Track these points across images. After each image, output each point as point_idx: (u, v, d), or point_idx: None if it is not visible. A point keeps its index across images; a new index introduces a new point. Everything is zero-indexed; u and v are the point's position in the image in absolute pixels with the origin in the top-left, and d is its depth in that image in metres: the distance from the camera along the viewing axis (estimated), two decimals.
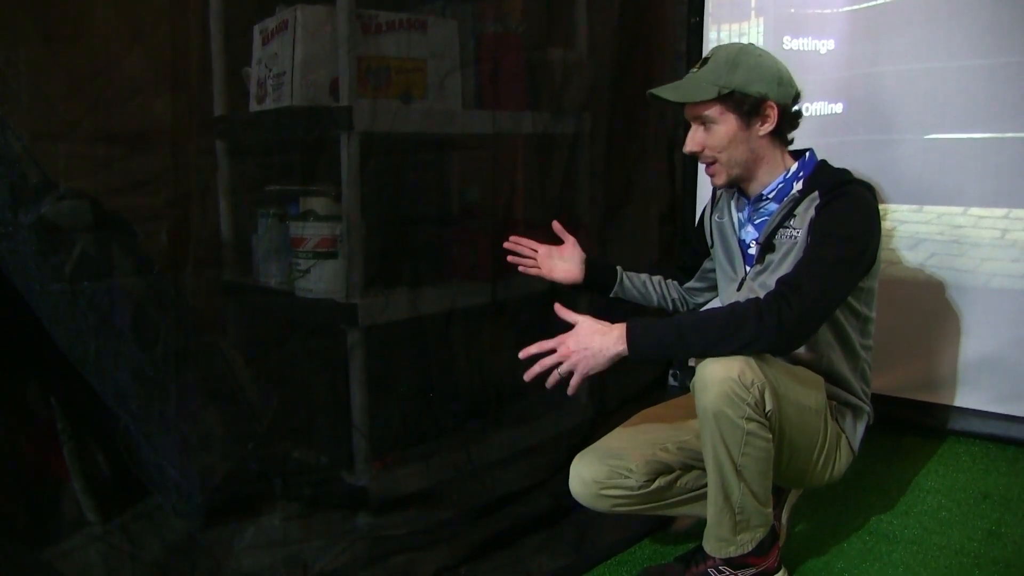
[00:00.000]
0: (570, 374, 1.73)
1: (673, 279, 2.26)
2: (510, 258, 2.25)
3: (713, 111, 1.84)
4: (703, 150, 1.88)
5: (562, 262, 2.21)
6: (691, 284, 2.24)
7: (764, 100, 1.84)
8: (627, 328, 1.73)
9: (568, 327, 1.77)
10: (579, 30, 2.76)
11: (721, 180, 1.92)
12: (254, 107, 2.50)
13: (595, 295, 2.27)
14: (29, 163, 1.96)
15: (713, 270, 2.15)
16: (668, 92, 1.88)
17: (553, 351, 1.73)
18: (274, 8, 2.41)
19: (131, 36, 2.16)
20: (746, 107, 1.84)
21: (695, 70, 1.89)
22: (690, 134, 1.90)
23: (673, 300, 2.24)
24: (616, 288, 2.22)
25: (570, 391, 1.74)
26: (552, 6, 2.77)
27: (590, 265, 2.22)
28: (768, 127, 1.86)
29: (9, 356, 2.06)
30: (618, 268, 2.24)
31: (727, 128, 1.85)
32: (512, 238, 2.26)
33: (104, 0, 2.14)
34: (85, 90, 2.09)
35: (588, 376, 1.74)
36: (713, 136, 1.86)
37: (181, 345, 2.15)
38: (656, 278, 2.25)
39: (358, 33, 2.26)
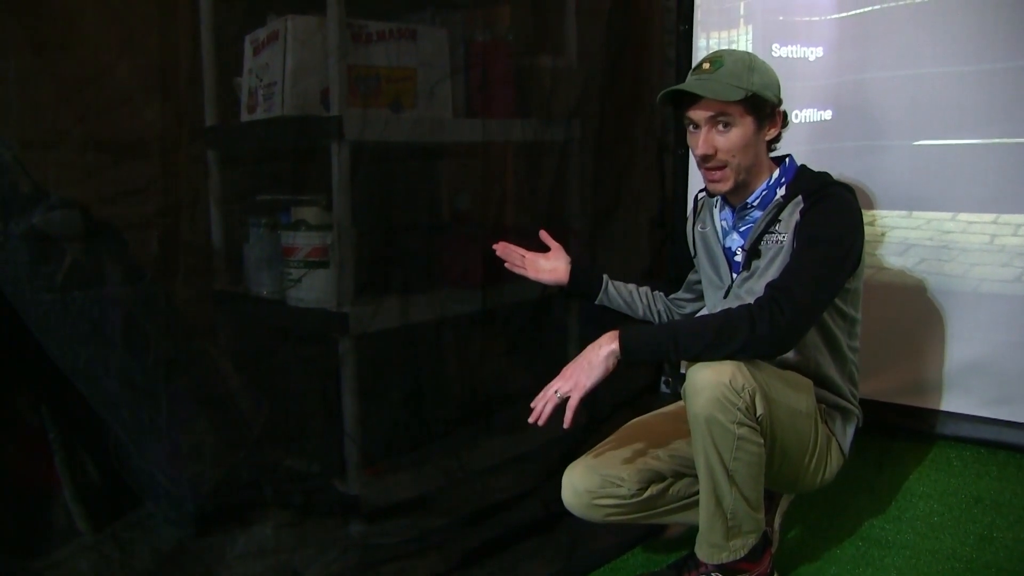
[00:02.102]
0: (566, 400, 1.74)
1: (661, 291, 2.26)
2: (499, 253, 2.24)
3: (736, 112, 1.81)
4: (716, 153, 1.84)
5: (547, 263, 2.22)
6: (677, 295, 2.24)
7: (776, 105, 1.86)
8: (620, 330, 1.75)
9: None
10: (568, 37, 2.77)
11: (727, 186, 1.88)
12: (245, 117, 2.51)
13: (580, 301, 2.27)
14: (19, 172, 1.96)
15: (698, 281, 2.15)
16: (698, 88, 1.81)
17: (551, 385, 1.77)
18: (265, 18, 2.42)
19: (122, 45, 2.17)
20: (766, 111, 1.84)
21: (707, 69, 1.83)
22: (703, 136, 1.84)
23: (659, 311, 2.23)
24: (601, 295, 2.21)
25: (567, 423, 1.74)
26: (541, 14, 2.78)
27: (576, 269, 2.21)
28: (774, 132, 1.88)
29: (0, 365, 2.05)
30: (604, 276, 2.23)
31: (744, 131, 1.83)
32: (500, 244, 2.25)
33: (95, 9, 2.15)
34: (76, 99, 2.10)
35: (589, 392, 1.74)
36: (729, 138, 1.83)
37: (172, 353, 2.15)
38: (643, 289, 2.25)
39: (348, 43, 2.27)
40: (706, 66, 1.85)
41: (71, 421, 2.13)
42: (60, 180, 2.04)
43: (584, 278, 2.22)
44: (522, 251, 2.24)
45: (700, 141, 1.84)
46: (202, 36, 2.49)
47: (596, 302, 2.23)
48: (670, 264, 2.30)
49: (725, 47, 2.81)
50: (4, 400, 2.10)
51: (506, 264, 2.24)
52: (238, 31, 2.50)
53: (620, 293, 2.22)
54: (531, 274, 2.21)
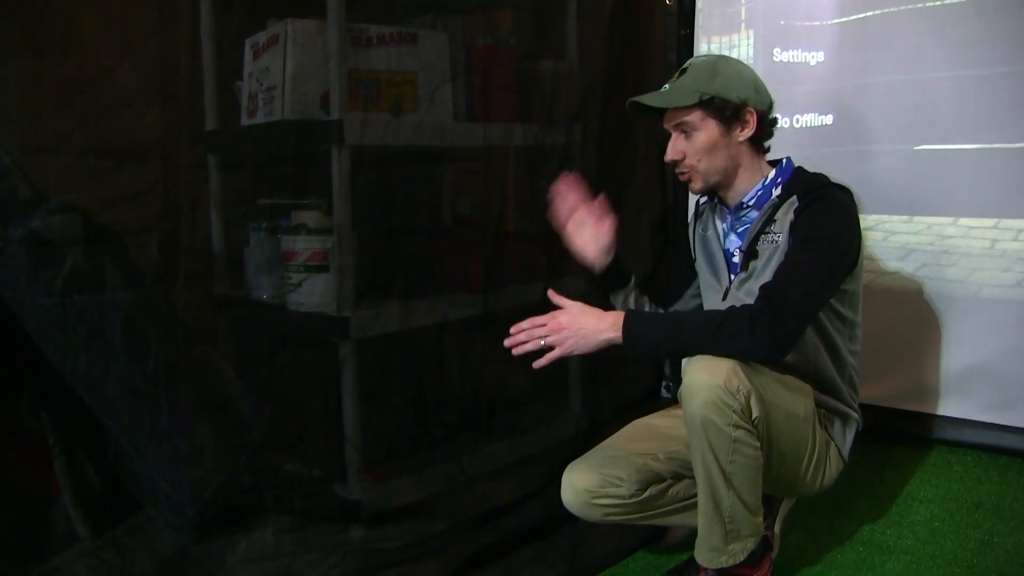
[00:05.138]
0: (550, 349, 1.76)
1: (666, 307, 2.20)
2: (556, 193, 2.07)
3: (694, 117, 1.86)
4: (684, 158, 1.89)
5: (588, 233, 2.07)
6: (690, 303, 2.17)
7: (744, 105, 1.86)
8: (624, 316, 1.76)
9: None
10: (569, 42, 2.77)
11: (698, 186, 1.92)
12: (245, 121, 2.51)
13: (600, 290, 2.15)
14: (19, 177, 1.96)
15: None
16: (650, 99, 1.90)
17: (544, 325, 1.77)
18: (265, 22, 2.42)
19: (122, 49, 2.16)
20: (727, 112, 1.86)
21: (674, 79, 1.91)
22: (671, 143, 1.91)
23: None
24: (621, 296, 2.12)
25: (537, 364, 1.77)
26: (542, 18, 2.77)
27: (617, 259, 2.09)
28: (748, 132, 1.88)
29: (0, 370, 2.05)
30: (633, 278, 2.13)
31: (708, 135, 1.86)
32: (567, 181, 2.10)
33: (94, 13, 2.15)
34: (75, 103, 2.09)
35: (569, 355, 1.77)
36: (693, 143, 1.87)
37: (172, 358, 2.14)
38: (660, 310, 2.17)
39: (349, 46, 2.27)
40: (675, 76, 1.92)
41: (71, 426, 2.12)
42: (60, 184, 2.04)
43: (614, 271, 2.11)
44: (583, 198, 2.07)
45: (668, 148, 1.92)
46: (202, 40, 2.48)
47: (611, 300, 2.14)
48: (674, 282, 2.22)
49: (726, 52, 2.82)
50: (4, 405, 2.10)
51: (552, 208, 2.08)
52: (238, 35, 2.49)
53: (638, 303, 2.14)
54: (568, 233, 2.08)
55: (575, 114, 2.76)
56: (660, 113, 1.92)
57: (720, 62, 1.90)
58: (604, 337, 1.76)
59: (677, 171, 1.94)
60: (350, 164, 2.22)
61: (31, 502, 2.12)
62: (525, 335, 1.78)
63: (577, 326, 1.76)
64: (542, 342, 1.77)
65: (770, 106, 1.92)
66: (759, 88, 1.89)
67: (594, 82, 2.82)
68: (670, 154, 1.91)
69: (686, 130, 1.88)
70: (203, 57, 2.50)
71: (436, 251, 2.63)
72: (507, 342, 1.79)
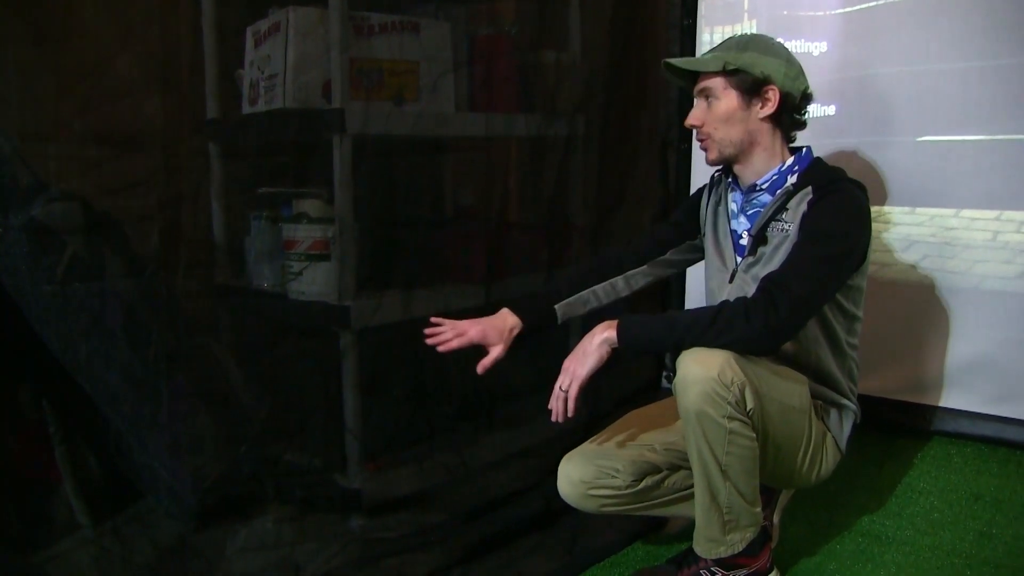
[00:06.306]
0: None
1: (637, 251, 2.14)
2: (429, 341, 2.02)
3: (716, 84, 1.87)
4: (703, 125, 1.91)
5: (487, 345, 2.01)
6: (663, 258, 2.13)
7: (766, 82, 1.86)
8: (618, 320, 1.78)
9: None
10: (572, 32, 2.76)
11: (712, 156, 1.93)
12: (247, 109, 2.50)
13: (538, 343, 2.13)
14: (20, 165, 1.96)
15: (692, 252, 2.12)
16: (678, 61, 1.94)
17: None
18: (266, 10, 2.41)
19: (122, 37, 2.16)
20: (747, 85, 1.86)
21: (710, 47, 1.96)
22: (693, 109, 1.93)
23: (619, 291, 2.11)
24: (555, 326, 2.07)
25: (569, 411, 1.78)
26: (545, 8, 2.77)
27: (522, 321, 2.02)
28: (767, 110, 1.87)
29: (0, 359, 2.05)
30: (555, 309, 2.05)
31: (727, 104, 1.87)
32: (432, 322, 2.03)
33: (95, 1, 2.14)
34: (76, 91, 2.09)
35: (588, 380, 1.77)
36: (713, 111, 1.89)
37: (173, 347, 2.14)
38: (601, 287, 2.10)
39: (351, 35, 2.26)
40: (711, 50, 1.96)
41: (72, 415, 2.12)
42: (61, 172, 2.05)
43: (536, 321, 2.04)
44: (445, 322, 2.02)
45: (691, 113, 1.93)
46: (203, 27, 2.48)
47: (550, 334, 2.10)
48: (660, 233, 2.17)
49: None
50: (5, 394, 2.10)
51: (439, 348, 2.01)
52: (239, 23, 2.49)
53: (575, 311, 2.08)
54: (468, 340, 2.00)
55: (577, 105, 2.76)
56: (694, 80, 1.93)
57: (755, 38, 1.92)
58: (599, 340, 1.76)
59: (697, 138, 1.97)
60: (351, 153, 2.22)
61: (32, 491, 2.12)
62: (552, 401, 1.79)
63: (573, 355, 1.79)
64: (563, 390, 1.77)
65: (803, 93, 1.90)
66: (791, 70, 1.88)
67: (596, 73, 2.82)
68: (690, 119, 1.93)
69: (708, 97, 1.90)
70: (204, 45, 2.50)
71: (438, 241, 2.63)
72: (552, 419, 1.80)
